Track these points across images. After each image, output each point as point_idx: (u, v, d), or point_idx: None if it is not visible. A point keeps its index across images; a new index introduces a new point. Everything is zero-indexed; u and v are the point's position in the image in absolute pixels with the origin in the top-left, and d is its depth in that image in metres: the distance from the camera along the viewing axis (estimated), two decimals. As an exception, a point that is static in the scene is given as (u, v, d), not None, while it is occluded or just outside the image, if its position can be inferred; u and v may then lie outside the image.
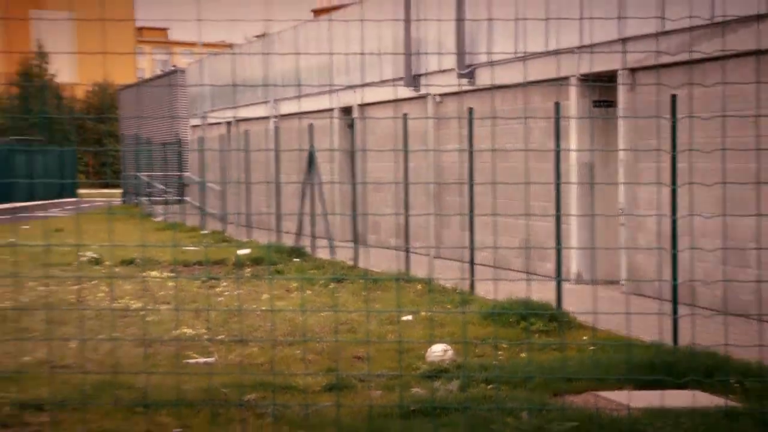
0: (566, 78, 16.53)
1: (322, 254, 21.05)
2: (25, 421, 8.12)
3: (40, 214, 42.17)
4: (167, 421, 8.04)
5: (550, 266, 15.82)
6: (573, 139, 16.77)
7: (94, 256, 20.72)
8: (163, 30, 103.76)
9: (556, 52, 16.20)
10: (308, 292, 16.03)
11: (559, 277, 13.24)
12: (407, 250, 17.70)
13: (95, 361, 10.38)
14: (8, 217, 39.49)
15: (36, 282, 16.73)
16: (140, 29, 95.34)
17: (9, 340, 11.12)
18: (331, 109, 25.38)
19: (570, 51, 16.22)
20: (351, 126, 23.35)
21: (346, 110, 25.05)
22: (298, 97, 26.58)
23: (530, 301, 12.62)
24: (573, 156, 16.61)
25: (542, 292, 12.87)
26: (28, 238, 25.21)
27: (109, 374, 9.31)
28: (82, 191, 63.68)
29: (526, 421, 7.69)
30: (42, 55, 72.30)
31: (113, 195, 56.39)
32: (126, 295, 15.78)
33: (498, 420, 7.69)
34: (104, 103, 73.65)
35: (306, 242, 22.09)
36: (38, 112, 59.30)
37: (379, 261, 19.54)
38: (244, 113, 31.38)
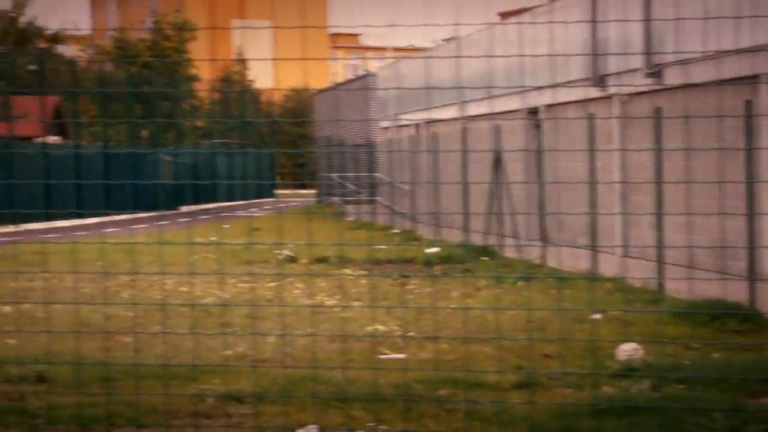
0: (757, 76, 16.16)
1: (510, 253, 21.13)
2: (227, 412, 8.48)
3: (240, 213, 43.62)
4: (361, 415, 8.28)
5: (742, 265, 15.54)
6: (766, 138, 16.35)
7: (290, 254, 21.35)
8: (355, 36, 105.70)
9: (748, 50, 15.86)
10: (497, 290, 16.16)
11: (752, 276, 13.01)
12: (595, 249, 17.64)
13: (292, 356, 10.76)
14: (211, 216, 41.03)
15: (236, 279, 17.39)
16: (333, 36, 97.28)
17: (212, 335, 11.60)
18: (518, 110, 25.44)
19: (763, 48, 15.83)
20: (538, 126, 23.36)
21: (533, 111, 25.04)
22: (486, 98, 26.73)
23: (723, 300, 12.44)
24: (766, 154, 16.21)
25: (735, 292, 12.66)
26: (229, 237, 26.16)
27: (306, 369, 9.65)
28: (278, 192, 65.42)
29: (719, 422, 7.57)
30: (242, 62, 74.77)
31: (308, 195, 57.71)
32: (320, 292, 16.22)
33: (690, 420, 7.61)
34: (300, 107, 75.49)
35: (494, 241, 22.21)
36: (238, 116, 61.21)
37: (567, 260, 19.50)
38: (433, 115, 31.73)
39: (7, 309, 14.00)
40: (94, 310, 13.57)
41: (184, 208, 49.68)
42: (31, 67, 54.81)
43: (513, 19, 29.46)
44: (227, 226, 32.71)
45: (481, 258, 20.91)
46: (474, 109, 28.74)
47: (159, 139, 53.58)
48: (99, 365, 9.53)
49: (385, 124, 40.01)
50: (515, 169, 25.03)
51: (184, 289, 16.27)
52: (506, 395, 8.83)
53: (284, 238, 22.97)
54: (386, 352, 11.03)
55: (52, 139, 50.96)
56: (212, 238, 24.77)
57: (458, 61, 27.84)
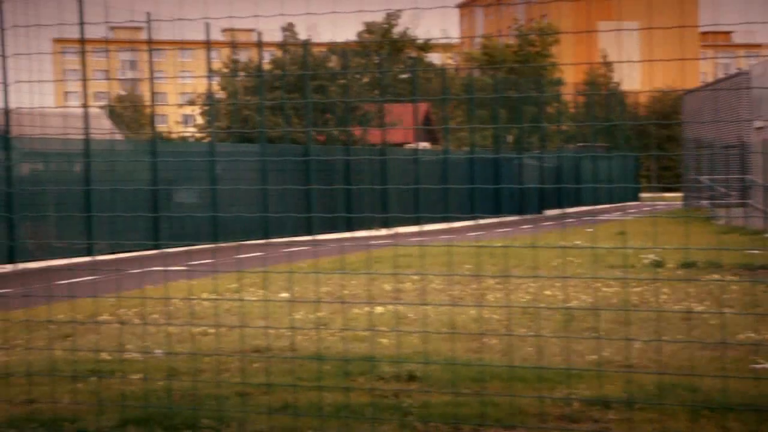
0: None
1: None
2: (594, 417, 8.40)
3: (605, 217, 43.31)
4: (734, 426, 7.99)
5: None
6: None
7: (656, 258, 20.94)
8: (727, 33, 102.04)
9: None
10: None
11: None
12: None
13: (660, 362, 10.55)
14: (575, 220, 41.02)
15: (601, 283, 17.27)
16: (703, 34, 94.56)
17: (577, 339, 11.58)
18: None
19: None
20: None
21: None
22: None
23: None
24: None
25: None
26: (593, 241, 26.03)
27: (674, 375, 9.43)
28: (643, 195, 64.35)
29: None
30: (607, 64, 74.32)
31: (674, 199, 56.37)
32: (688, 297, 15.81)
33: None
34: (667, 108, 73.98)
35: None
36: (603, 119, 60.84)
37: None
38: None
39: (380, 309, 14.64)
40: (461, 311, 13.92)
41: (549, 212, 49.96)
42: (403, 76, 57.07)
43: None
44: (590, 229, 32.53)
45: None
46: None
47: (524, 143, 54.16)
48: (470, 366, 9.76)
49: (758, 124, 38.39)
50: None
51: (548, 292, 16.36)
52: None
53: (650, 242, 22.54)
54: (761, 361, 10.58)
55: (422, 144, 52.84)
56: (576, 242, 24.74)
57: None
